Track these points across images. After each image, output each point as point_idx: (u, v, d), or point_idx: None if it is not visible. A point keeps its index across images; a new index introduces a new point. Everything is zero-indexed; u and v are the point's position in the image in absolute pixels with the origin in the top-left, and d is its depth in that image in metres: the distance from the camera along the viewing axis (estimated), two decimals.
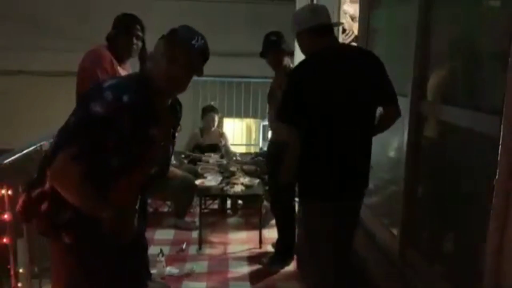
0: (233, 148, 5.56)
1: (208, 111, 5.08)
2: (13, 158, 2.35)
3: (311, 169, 2.29)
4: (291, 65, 3.50)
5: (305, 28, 2.36)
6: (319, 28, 2.33)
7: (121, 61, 2.81)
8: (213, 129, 5.09)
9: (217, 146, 5.05)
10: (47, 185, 1.71)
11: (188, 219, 4.43)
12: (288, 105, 2.29)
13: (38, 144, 2.66)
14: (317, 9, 2.45)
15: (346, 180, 2.29)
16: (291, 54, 3.50)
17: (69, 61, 3.02)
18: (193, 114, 5.20)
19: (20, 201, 1.75)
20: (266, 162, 3.98)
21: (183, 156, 4.91)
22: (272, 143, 3.73)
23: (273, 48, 3.41)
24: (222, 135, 5.19)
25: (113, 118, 1.59)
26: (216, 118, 5.10)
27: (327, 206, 2.29)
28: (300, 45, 2.48)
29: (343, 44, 2.71)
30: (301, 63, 2.39)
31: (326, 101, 2.24)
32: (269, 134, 4.38)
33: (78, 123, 1.62)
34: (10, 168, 2.32)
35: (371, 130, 2.38)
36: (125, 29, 2.79)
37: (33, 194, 1.73)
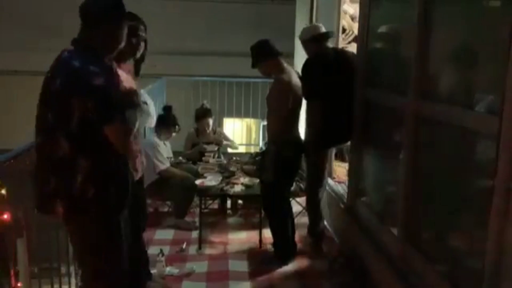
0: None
1: (201, 116, 5.03)
2: (12, 158, 2.34)
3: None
4: (284, 65, 3.50)
5: (306, 38, 3.72)
6: (316, 37, 3.67)
7: (121, 61, 2.76)
8: (208, 131, 5.08)
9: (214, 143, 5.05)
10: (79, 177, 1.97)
11: (188, 219, 4.42)
12: (310, 87, 3.51)
13: None
14: (314, 26, 3.81)
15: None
16: (281, 54, 3.52)
17: None
18: (193, 114, 5.20)
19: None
20: (261, 163, 4.11)
21: (180, 158, 4.91)
22: (269, 143, 3.72)
23: (258, 61, 3.48)
24: (215, 131, 5.18)
25: (113, 81, 2.02)
26: (211, 122, 5.07)
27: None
28: (304, 49, 3.80)
29: (335, 47, 3.90)
30: (309, 60, 3.67)
31: (327, 84, 3.49)
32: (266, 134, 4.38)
33: (104, 101, 1.95)
34: (9, 168, 2.32)
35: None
36: (131, 30, 2.74)
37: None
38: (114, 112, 1.98)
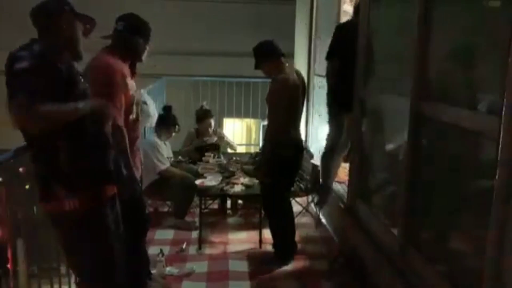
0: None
1: (202, 117, 5.04)
2: (10, 157, 2.34)
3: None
4: (285, 65, 3.49)
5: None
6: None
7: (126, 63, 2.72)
8: (210, 131, 5.09)
9: (214, 144, 5.05)
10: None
11: (188, 219, 4.42)
12: (330, 49, 3.77)
13: None
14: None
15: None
16: (284, 55, 3.51)
17: None
18: (193, 114, 5.21)
19: None
20: (258, 163, 4.13)
21: (180, 157, 4.91)
22: (267, 143, 3.72)
23: (262, 62, 3.49)
24: (215, 132, 5.18)
25: (41, 67, 1.98)
26: (212, 123, 5.08)
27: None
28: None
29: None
30: (340, 24, 4.11)
31: (345, 48, 3.63)
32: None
33: (16, 81, 1.93)
34: (8, 167, 2.31)
35: None
36: (148, 37, 2.72)
37: None
38: (19, 91, 1.89)
